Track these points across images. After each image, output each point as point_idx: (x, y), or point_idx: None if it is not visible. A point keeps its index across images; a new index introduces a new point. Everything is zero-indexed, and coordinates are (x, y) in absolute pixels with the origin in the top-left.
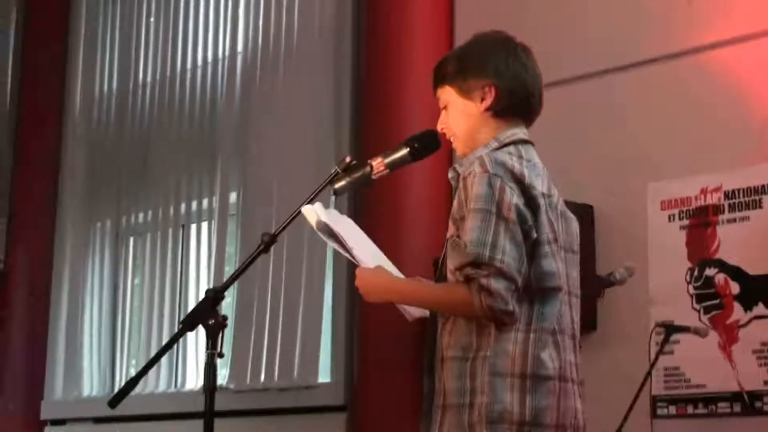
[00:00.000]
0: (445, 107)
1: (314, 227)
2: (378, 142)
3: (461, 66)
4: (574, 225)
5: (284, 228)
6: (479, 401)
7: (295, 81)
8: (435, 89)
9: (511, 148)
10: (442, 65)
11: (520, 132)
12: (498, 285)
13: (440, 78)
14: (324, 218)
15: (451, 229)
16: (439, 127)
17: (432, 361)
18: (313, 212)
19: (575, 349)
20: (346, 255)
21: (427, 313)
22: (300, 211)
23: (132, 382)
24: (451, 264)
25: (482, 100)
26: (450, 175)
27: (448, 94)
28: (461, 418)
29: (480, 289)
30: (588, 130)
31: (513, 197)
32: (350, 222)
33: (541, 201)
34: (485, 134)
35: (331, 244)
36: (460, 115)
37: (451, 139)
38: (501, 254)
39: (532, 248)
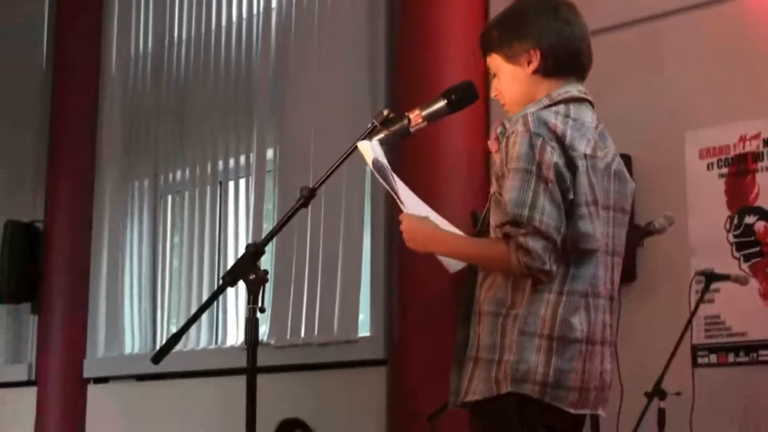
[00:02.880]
0: (495, 75)
1: (369, 164)
2: (413, 96)
3: (504, 33)
4: (630, 186)
5: (323, 182)
6: (506, 359)
7: (329, 36)
8: (484, 58)
9: (560, 107)
10: (486, 34)
11: (573, 89)
12: (535, 244)
13: (486, 47)
14: (380, 156)
15: (494, 186)
16: (492, 94)
17: (467, 312)
18: (370, 148)
19: (611, 310)
20: (394, 195)
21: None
22: (339, 163)
23: (175, 338)
24: (493, 221)
25: (528, 63)
26: (499, 130)
27: (495, 61)
28: (489, 374)
29: (517, 247)
30: (624, 80)
31: (553, 156)
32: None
33: (580, 162)
34: (537, 95)
35: (383, 184)
36: (510, 80)
37: (505, 105)
38: (540, 214)
39: (568, 209)
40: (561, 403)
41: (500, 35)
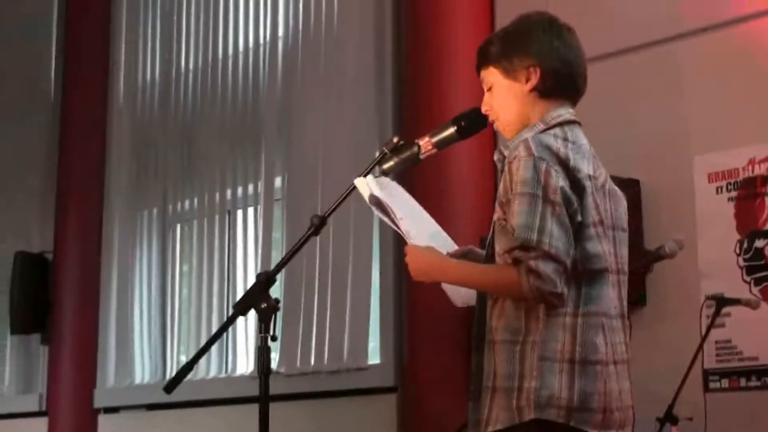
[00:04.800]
0: (489, 88)
1: (366, 200)
2: (420, 123)
3: (505, 47)
4: (623, 203)
5: (334, 209)
6: (527, 385)
7: (336, 64)
8: (479, 70)
9: (557, 131)
10: (486, 46)
11: (566, 113)
12: (546, 267)
13: (484, 59)
14: (376, 191)
15: (498, 212)
16: (483, 109)
17: (479, 342)
18: (365, 185)
19: (624, 328)
20: (395, 229)
21: (473, 301)
22: (349, 192)
23: (187, 367)
24: (499, 247)
25: (527, 80)
26: (496, 157)
27: (492, 75)
28: (510, 402)
29: (528, 272)
30: (632, 104)
31: (558, 180)
32: (403, 191)
33: (587, 183)
34: (532, 115)
35: (382, 218)
36: (505, 96)
37: (495, 121)
38: (548, 237)
39: (577, 231)
40: (586, 425)
41: (501, 49)
